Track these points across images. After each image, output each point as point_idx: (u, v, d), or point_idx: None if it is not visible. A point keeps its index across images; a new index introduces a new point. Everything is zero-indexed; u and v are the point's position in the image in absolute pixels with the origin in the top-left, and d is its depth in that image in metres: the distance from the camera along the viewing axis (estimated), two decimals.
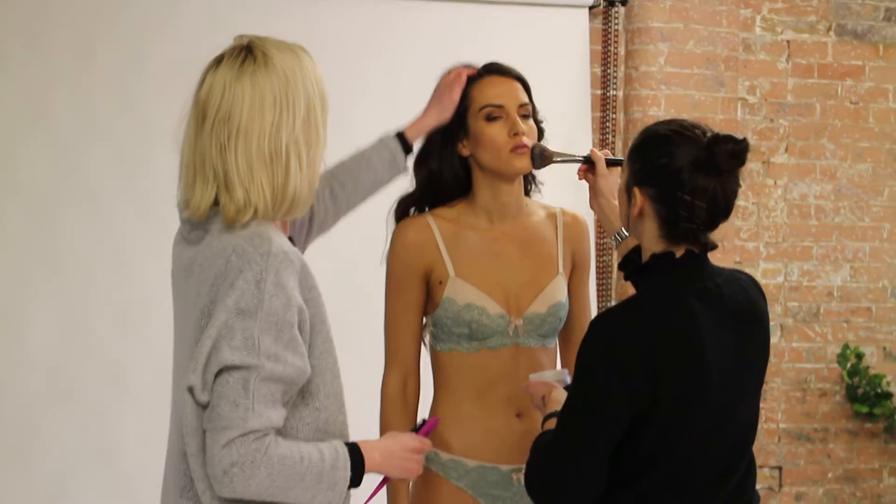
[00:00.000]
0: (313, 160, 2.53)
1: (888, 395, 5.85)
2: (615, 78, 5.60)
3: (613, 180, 3.16)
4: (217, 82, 2.51)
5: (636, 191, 2.62)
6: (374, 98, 5.12)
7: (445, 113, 3.12)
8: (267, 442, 2.34)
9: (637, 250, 2.73)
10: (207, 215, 2.47)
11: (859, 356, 5.86)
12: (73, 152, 4.89)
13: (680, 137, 2.59)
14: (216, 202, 2.47)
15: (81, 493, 4.81)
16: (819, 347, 5.95)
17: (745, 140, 2.59)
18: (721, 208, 2.60)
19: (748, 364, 2.66)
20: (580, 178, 3.18)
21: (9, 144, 4.66)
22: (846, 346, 5.88)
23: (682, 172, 2.55)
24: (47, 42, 4.86)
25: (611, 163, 3.14)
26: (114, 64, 4.94)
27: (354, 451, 2.49)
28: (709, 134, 2.59)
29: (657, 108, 5.57)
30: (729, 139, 2.57)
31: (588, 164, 3.16)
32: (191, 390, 2.37)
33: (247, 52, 2.51)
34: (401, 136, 3.15)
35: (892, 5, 6.00)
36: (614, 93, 5.60)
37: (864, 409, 5.84)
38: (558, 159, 3.14)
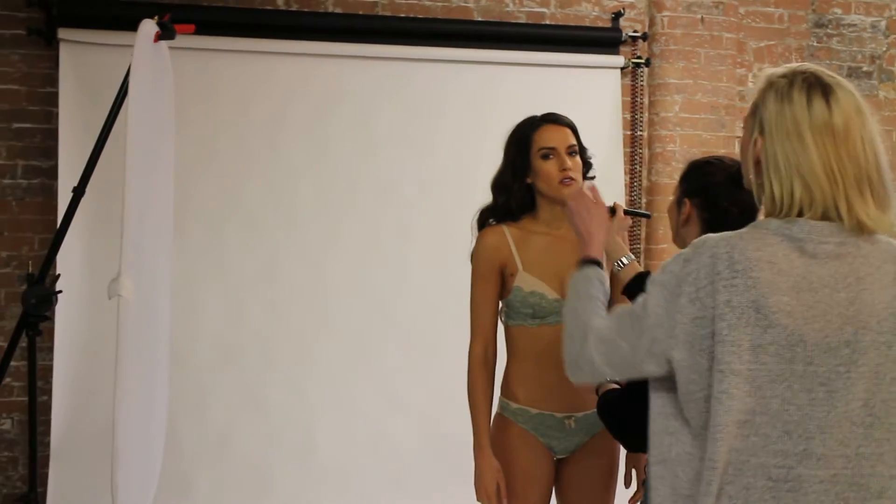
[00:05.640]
0: None
1: None
2: (641, 122, 5.59)
3: (625, 225, 3.04)
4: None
5: (686, 201, 2.65)
6: (453, 149, 5.16)
7: (605, 221, 2.66)
8: None
9: (637, 278, 2.74)
10: None
11: None
12: (234, 182, 4.96)
13: (717, 163, 2.65)
14: None
15: (241, 439, 4.86)
16: None
17: None
18: (749, 213, 2.52)
19: None
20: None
21: (188, 177, 4.72)
22: None
23: (721, 186, 2.59)
24: (215, 101, 4.94)
25: (628, 212, 3.06)
26: (263, 116, 5.00)
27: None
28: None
29: (674, 144, 5.53)
30: None
31: (610, 212, 3.02)
32: None
33: None
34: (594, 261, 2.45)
35: (853, 65, 5.91)
36: (640, 133, 5.57)
37: None
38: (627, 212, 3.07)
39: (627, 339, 2.03)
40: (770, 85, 2.01)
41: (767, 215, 1.99)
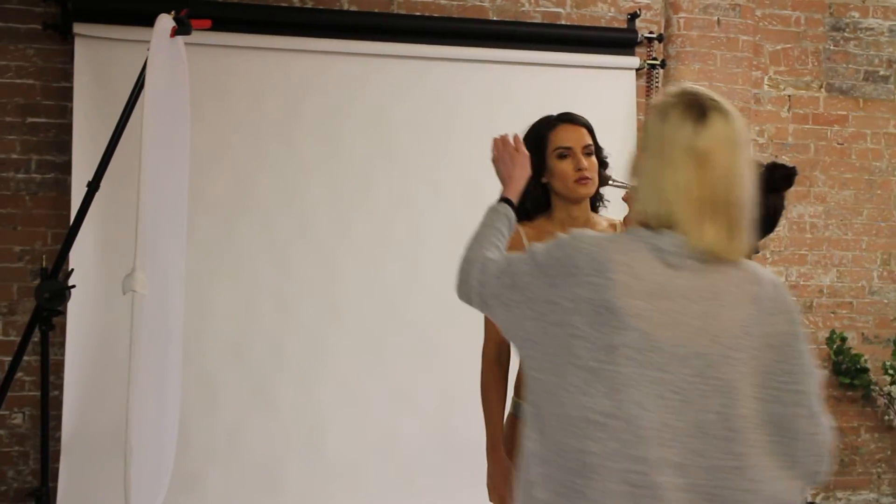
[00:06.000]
0: None
1: (865, 370, 5.77)
2: None
3: None
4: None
5: None
6: (466, 148, 5.09)
7: (526, 169, 2.71)
8: None
9: None
10: None
11: (843, 339, 5.78)
12: (247, 179, 4.95)
13: None
14: None
15: (252, 436, 4.87)
16: (812, 332, 5.85)
17: (794, 167, 2.59)
18: (774, 216, 2.59)
19: None
20: (623, 200, 3.22)
21: (201, 173, 4.71)
22: (833, 332, 5.80)
23: None
24: (229, 97, 4.93)
25: None
26: (277, 113, 4.99)
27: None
28: (766, 162, 2.59)
29: None
30: (783, 166, 2.60)
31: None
32: None
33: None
34: (508, 201, 2.58)
35: (869, 69, 5.92)
36: None
37: (847, 381, 5.76)
38: (612, 183, 3.17)
39: (501, 283, 2.13)
40: (659, 103, 2.08)
41: (639, 225, 2.04)
